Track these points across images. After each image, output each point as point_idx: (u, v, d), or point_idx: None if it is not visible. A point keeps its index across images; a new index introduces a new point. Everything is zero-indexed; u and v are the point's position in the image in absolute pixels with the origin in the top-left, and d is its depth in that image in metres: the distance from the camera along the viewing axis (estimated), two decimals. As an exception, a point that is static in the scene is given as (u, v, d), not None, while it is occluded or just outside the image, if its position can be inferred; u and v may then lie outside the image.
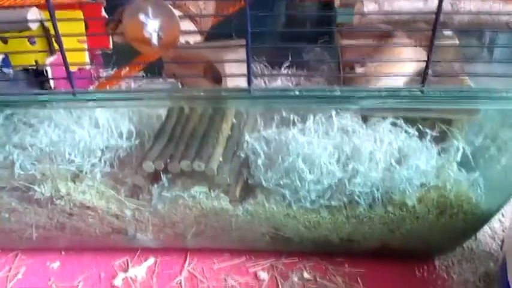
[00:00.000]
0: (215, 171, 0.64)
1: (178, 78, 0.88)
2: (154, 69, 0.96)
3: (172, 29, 0.47)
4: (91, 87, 0.90)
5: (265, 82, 0.88)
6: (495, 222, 0.81)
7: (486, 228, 0.80)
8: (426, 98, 0.48)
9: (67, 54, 0.61)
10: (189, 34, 0.48)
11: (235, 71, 0.80)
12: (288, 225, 0.67)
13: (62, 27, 0.59)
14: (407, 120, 0.68)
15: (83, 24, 0.67)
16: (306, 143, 0.62)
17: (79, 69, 0.93)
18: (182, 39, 0.48)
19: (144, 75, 0.96)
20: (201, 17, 0.48)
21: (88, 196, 0.68)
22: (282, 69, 0.88)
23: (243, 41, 0.91)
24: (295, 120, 0.65)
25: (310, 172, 0.62)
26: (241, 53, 0.88)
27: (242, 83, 0.86)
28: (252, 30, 0.46)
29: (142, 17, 0.46)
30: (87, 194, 0.68)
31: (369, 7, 0.47)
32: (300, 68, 0.94)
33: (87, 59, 0.88)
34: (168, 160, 0.65)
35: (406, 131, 0.65)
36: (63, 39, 0.61)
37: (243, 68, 0.89)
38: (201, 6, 0.50)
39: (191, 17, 0.47)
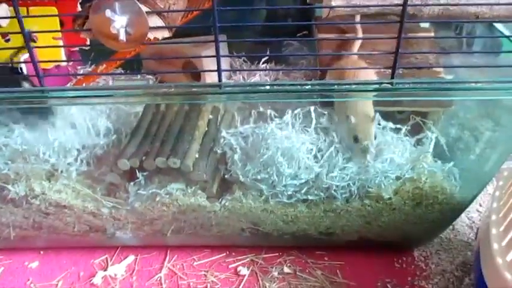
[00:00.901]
0: (191, 168, 0.64)
1: (157, 75, 0.87)
2: (133, 66, 0.95)
3: (140, 25, 0.46)
4: (67, 85, 0.89)
5: (244, 77, 0.88)
6: (473, 212, 0.82)
7: (464, 217, 0.81)
8: (396, 90, 0.48)
9: (42, 51, 0.60)
10: (157, 30, 0.47)
11: (213, 67, 0.80)
12: (266, 220, 0.67)
13: (36, 24, 0.58)
14: (383, 114, 0.69)
15: (58, 20, 0.66)
16: (285, 137, 0.63)
17: (56, 67, 0.93)
18: (150, 35, 0.48)
19: (123, 72, 0.95)
20: (170, 12, 0.47)
21: (64, 195, 0.67)
22: (260, 64, 0.87)
23: (222, 36, 0.92)
24: (273, 115, 0.65)
25: (288, 166, 0.62)
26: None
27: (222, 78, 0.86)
28: (220, 25, 0.45)
29: (108, 12, 0.45)
30: (62, 193, 0.67)
31: (337, 0, 0.46)
32: (279, 62, 0.93)
33: (62, 56, 0.87)
34: (144, 157, 0.65)
35: (379, 124, 0.66)
36: (38, 35, 0.60)
37: (221, 64, 0.89)
38: (170, 1, 0.50)
39: (159, 13, 0.47)
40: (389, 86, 0.49)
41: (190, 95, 0.49)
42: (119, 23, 0.46)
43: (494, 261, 0.52)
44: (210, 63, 0.77)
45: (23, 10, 0.64)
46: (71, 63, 0.92)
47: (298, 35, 0.89)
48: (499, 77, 0.52)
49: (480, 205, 0.84)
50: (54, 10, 0.76)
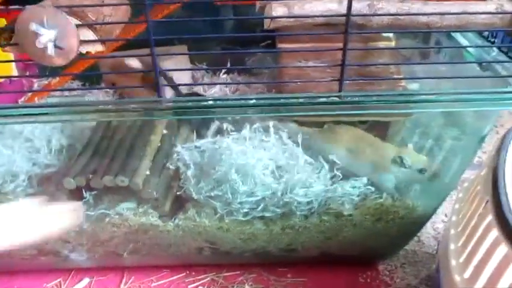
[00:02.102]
0: (140, 186, 0.61)
1: (117, 88, 0.84)
2: (93, 79, 0.92)
3: (70, 39, 0.43)
4: (20, 100, 0.85)
5: (205, 90, 0.86)
6: (438, 223, 0.81)
7: (429, 228, 0.79)
8: (344, 104, 0.46)
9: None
10: (89, 43, 0.44)
11: (174, 79, 0.78)
12: (222, 239, 0.65)
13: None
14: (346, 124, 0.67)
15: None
16: (241, 153, 0.60)
17: (10, 81, 0.89)
18: (83, 49, 0.45)
19: (81, 85, 0.91)
20: (104, 25, 0.44)
21: (8, 218, 0.63)
22: (221, 75, 0.85)
23: (183, 47, 0.89)
24: (229, 129, 0.62)
25: (243, 183, 0.59)
26: (179, 61, 0.86)
27: (181, 88, 0.83)
28: (156, 38, 0.43)
29: (33, 26, 0.43)
30: (7, 215, 0.63)
31: (278, 11, 0.44)
32: (242, 73, 0.91)
33: (14, 70, 0.84)
34: (91, 176, 0.62)
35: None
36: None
37: (182, 76, 0.87)
38: (105, 12, 0.47)
39: (90, 25, 0.44)
40: (337, 99, 0.47)
41: (127, 112, 0.46)
42: (46, 37, 0.43)
43: (452, 278, 0.50)
44: (172, 75, 0.75)
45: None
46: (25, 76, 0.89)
47: (262, 44, 0.87)
48: (454, 88, 0.50)
49: (446, 215, 0.82)
50: (2, 22, 0.72)
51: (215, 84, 0.82)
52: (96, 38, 0.44)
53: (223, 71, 0.85)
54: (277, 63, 0.78)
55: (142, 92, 0.82)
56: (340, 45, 0.54)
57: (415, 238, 0.77)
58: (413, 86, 0.73)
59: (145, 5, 0.41)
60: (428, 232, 0.79)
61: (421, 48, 0.67)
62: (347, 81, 0.44)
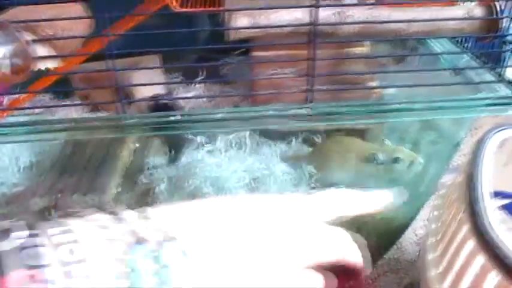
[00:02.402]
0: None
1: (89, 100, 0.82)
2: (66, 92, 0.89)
3: (24, 55, 0.41)
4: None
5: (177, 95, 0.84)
6: (420, 228, 0.80)
7: (411, 234, 0.78)
8: (314, 115, 0.45)
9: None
10: (45, 59, 0.42)
11: (145, 91, 0.76)
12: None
13: None
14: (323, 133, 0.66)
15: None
16: (214, 165, 0.59)
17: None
18: (42, 65, 0.43)
19: (52, 99, 0.89)
20: (61, 40, 0.42)
21: (-28, 241, 0.60)
22: (195, 85, 0.84)
23: (154, 58, 0.87)
24: (203, 141, 0.61)
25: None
26: (150, 73, 0.84)
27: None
28: (116, 52, 0.41)
29: (-15, 43, 0.40)
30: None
31: (242, 21, 0.43)
32: (216, 82, 0.89)
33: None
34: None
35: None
36: None
37: (155, 86, 0.85)
38: (64, 27, 0.45)
39: (46, 41, 0.42)
40: (308, 110, 0.45)
41: (90, 129, 0.44)
42: (-1, 54, 0.41)
43: (431, 289, 0.49)
44: (142, 87, 0.73)
45: None
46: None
47: (236, 53, 0.86)
48: (428, 94, 0.50)
49: (427, 220, 0.81)
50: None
51: (178, 98, 0.80)
52: (54, 54, 0.42)
53: (197, 80, 0.83)
54: (252, 71, 0.76)
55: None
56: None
57: (397, 245, 0.76)
58: (390, 90, 0.73)
59: (105, 19, 0.39)
60: (410, 238, 0.78)
61: (391, 56, 0.66)
62: (317, 91, 0.43)
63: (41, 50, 0.42)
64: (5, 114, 0.79)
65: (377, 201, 0.35)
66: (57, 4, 0.48)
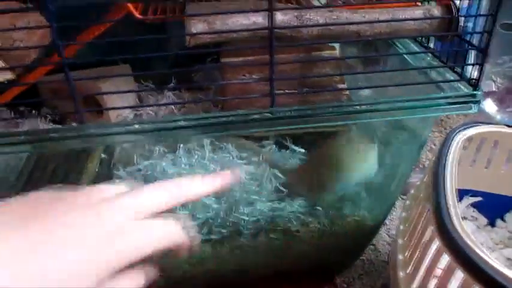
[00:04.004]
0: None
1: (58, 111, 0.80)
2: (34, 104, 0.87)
3: (-27, 68, 0.40)
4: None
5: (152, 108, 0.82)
6: (393, 229, 0.80)
7: (384, 235, 0.79)
8: (277, 119, 0.44)
9: None
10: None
11: (116, 101, 0.74)
12: (169, 264, 0.61)
13: None
14: (292, 137, 0.66)
15: None
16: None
17: None
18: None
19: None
20: (13, 51, 0.41)
21: None
22: (165, 93, 0.82)
23: (125, 67, 0.86)
24: (163, 151, 0.60)
25: (181, 207, 0.57)
26: (120, 82, 0.82)
27: (125, 112, 0.80)
28: (70, 62, 0.40)
29: None
30: None
31: (198, 27, 0.42)
32: (188, 88, 0.88)
33: None
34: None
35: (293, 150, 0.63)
36: None
37: (124, 98, 0.83)
38: (15, 37, 0.43)
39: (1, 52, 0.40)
40: (269, 115, 0.45)
41: (46, 141, 0.43)
42: None
43: (401, 290, 0.49)
44: (112, 97, 0.71)
45: None
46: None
47: (209, 59, 0.86)
48: (394, 95, 0.49)
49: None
50: None
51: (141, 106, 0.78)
52: (3, 65, 0.40)
53: (168, 86, 0.82)
54: (222, 77, 0.76)
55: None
56: (282, 57, 0.53)
57: (371, 246, 0.76)
58: (359, 92, 0.73)
59: (52, 27, 0.37)
60: (384, 239, 0.78)
61: (356, 57, 0.66)
62: (281, 95, 0.42)
63: (-10, 62, 0.41)
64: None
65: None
66: (11, 13, 0.46)
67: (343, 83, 0.69)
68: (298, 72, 0.68)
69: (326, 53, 0.71)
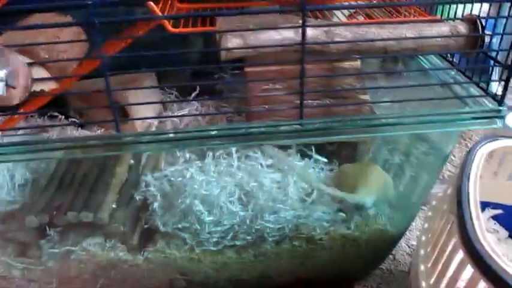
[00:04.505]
0: (106, 221, 0.59)
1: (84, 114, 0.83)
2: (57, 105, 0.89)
3: (22, 77, 0.42)
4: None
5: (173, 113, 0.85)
6: (413, 240, 0.81)
7: (404, 246, 0.79)
8: (305, 131, 0.46)
9: None
10: (42, 81, 0.43)
11: (143, 108, 0.76)
12: (194, 270, 0.63)
13: None
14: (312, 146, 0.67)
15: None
16: (204, 182, 0.59)
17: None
18: (37, 87, 0.44)
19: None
20: (57, 62, 0.43)
21: (-32, 260, 0.61)
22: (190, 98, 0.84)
23: (150, 76, 0.88)
24: (192, 158, 0.61)
25: (209, 213, 0.58)
26: (146, 90, 0.85)
27: (149, 114, 0.82)
28: (111, 73, 0.42)
29: (-18, 66, 0.41)
30: (-33, 257, 0.61)
31: (233, 42, 0.44)
32: (211, 95, 0.90)
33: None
34: (54, 212, 0.60)
35: (315, 160, 0.64)
36: None
37: (149, 104, 0.86)
38: (60, 49, 0.46)
39: (43, 63, 0.43)
40: (298, 127, 0.46)
41: (89, 148, 0.45)
42: (-5, 76, 0.41)
43: (423, 300, 0.50)
44: (137, 101, 0.74)
45: None
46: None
47: (230, 69, 0.88)
48: (417, 108, 0.51)
49: (420, 231, 0.82)
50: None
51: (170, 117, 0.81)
52: (49, 76, 0.42)
53: (193, 94, 0.84)
54: (245, 87, 0.77)
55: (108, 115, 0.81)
56: (308, 67, 0.54)
57: (390, 256, 0.77)
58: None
59: (98, 41, 0.40)
60: (403, 250, 0.79)
61: (380, 72, 0.68)
62: (309, 107, 0.44)
63: (37, 72, 0.43)
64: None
65: None
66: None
67: (365, 94, 0.70)
68: (320, 84, 0.69)
69: (347, 64, 0.73)
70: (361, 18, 0.84)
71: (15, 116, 0.75)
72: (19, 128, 0.56)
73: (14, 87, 0.42)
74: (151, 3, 0.46)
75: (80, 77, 0.53)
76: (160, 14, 0.48)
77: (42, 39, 0.46)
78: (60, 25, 0.41)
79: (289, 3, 0.53)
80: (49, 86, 0.44)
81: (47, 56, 0.43)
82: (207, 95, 0.90)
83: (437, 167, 0.58)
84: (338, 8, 0.61)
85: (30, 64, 0.43)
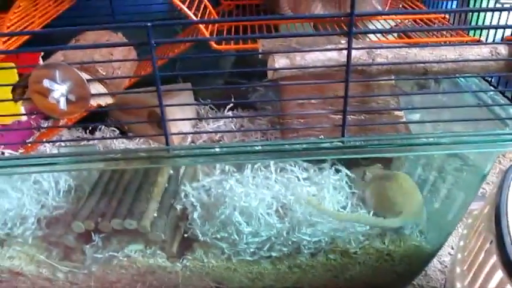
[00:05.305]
0: (148, 229, 0.61)
1: (123, 125, 0.86)
2: (100, 116, 0.93)
3: (81, 93, 0.45)
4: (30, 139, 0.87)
5: (208, 124, 0.87)
6: (445, 256, 0.80)
7: (436, 262, 0.79)
8: (347, 148, 0.48)
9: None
10: (100, 97, 0.46)
11: (178, 116, 0.79)
12: (230, 279, 0.65)
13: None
14: (348, 161, 0.68)
15: (16, 74, 0.65)
16: (243, 194, 0.61)
17: (18, 121, 0.90)
18: (93, 102, 0.46)
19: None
20: (112, 79, 0.46)
21: (16, 261, 0.64)
22: (225, 111, 0.87)
23: (186, 85, 0.91)
24: (232, 170, 0.63)
25: (247, 224, 0.60)
26: (183, 98, 0.88)
27: (186, 128, 0.85)
28: (164, 90, 0.44)
29: (47, 83, 0.44)
30: (15, 259, 0.64)
31: (281, 62, 0.46)
32: (245, 108, 0.93)
33: (21, 110, 0.85)
34: (100, 219, 0.62)
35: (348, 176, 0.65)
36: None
37: (185, 113, 0.89)
38: (115, 65, 0.49)
39: (101, 80, 0.46)
40: (340, 144, 0.48)
41: (138, 160, 0.47)
42: (58, 92, 0.44)
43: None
44: (175, 113, 0.76)
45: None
46: (33, 116, 0.90)
47: (264, 80, 0.89)
48: (454, 129, 0.52)
49: (452, 248, 0.82)
50: (14, 75, 0.74)
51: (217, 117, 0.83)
52: (106, 92, 0.45)
53: (228, 107, 0.86)
54: (280, 97, 0.79)
55: (147, 127, 0.84)
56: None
57: (422, 272, 0.77)
58: (415, 116, 0.75)
59: (150, 46, 0.42)
60: (435, 266, 0.79)
61: (421, 93, 0.69)
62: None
63: (96, 88, 0.46)
64: (44, 137, 0.84)
65: None
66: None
67: (400, 113, 0.71)
68: (359, 100, 0.71)
69: (383, 81, 0.74)
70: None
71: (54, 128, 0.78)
72: (73, 140, 0.58)
73: (73, 102, 0.45)
74: (202, 26, 0.48)
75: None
76: (208, 35, 0.51)
77: (98, 56, 0.49)
78: (122, 44, 0.44)
79: (334, 22, 0.55)
80: (105, 101, 0.46)
81: (104, 73, 0.46)
82: (241, 106, 0.93)
83: (474, 186, 0.58)
84: (382, 32, 0.63)
85: (88, 80, 0.46)
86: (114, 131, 0.88)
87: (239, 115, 0.86)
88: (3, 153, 0.77)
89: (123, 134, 0.87)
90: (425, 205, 0.63)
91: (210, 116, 0.90)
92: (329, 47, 0.48)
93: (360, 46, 0.48)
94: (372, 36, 0.74)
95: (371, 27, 0.76)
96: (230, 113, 0.88)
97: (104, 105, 0.47)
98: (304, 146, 0.48)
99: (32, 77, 0.45)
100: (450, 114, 0.57)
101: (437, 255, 0.81)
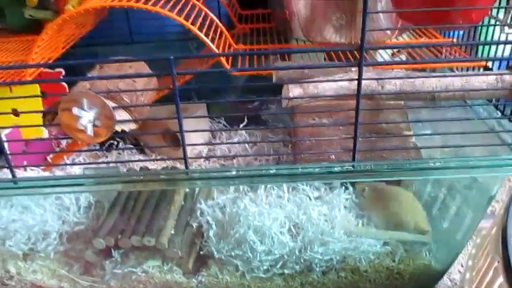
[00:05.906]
0: (166, 246, 0.64)
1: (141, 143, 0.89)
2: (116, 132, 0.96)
3: (107, 119, 0.48)
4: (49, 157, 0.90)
5: (222, 142, 0.90)
6: (455, 273, 0.82)
7: (445, 279, 0.80)
8: (358, 172, 0.50)
9: (24, 128, 0.61)
10: (124, 123, 0.49)
11: (193, 136, 0.82)
12: (241, 293, 0.67)
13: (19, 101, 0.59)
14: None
15: (40, 99, 0.68)
16: (257, 214, 0.63)
17: (39, 140, 0.93)
18: (118, 128, 0.49)
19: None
20: (135, 107, 0.49)
21: (39, 275, 0.67)
22: (238, 131, 0.90)
23: (201, 105, 0.94)
24: (246, 190, 0.66)
25: (261, 243, 0.62)
26: (199, 118, 0.91)
27: (199, 141, 0.88)
28: (185, 117, 0.47)
29: (76, 110, 0.47)
30: (38, 273, 0.67)
31: (295, 92, 0.49)
32: (258, 125, 0.95)
33: (44, 133, 0.89)
34: (119, 236, 0.65)
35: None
36: (22, 115, 0.61)
37: (200, 134, 0.91)
38: (137, 93, 0.52)
39: (125, 107, 0.48)
40: (351, 168, 0.50)
41: (157, 182, 0.50)
42: (86, 118, 0.47)
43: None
44: (188, 128, 0.79)
45: (6, 89, 0.66)
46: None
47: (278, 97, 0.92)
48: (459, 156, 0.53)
49: (462, 265, 0.83)
50: (36, 89, 0.77)
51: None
52: (131, 118, 0.48)
53: (241, 126, 0.89)
54: (292, 121, 0.82)
55: (160, 139, 0.87)
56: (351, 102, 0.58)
57: (432, 290, 0.78)
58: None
59: (168, 60, 0.45)
60: (445, 283, 0.80)
61: (429, 121, 0.70)
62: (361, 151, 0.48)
63: (120, 115, 0.49)
64: (64, 155, 0.87)
65: None
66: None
67: (409, 129, 0.73)
68: (367, 118, 0.73)
69: (391, 103, 0.76)
70: (403, 57, 0.87)
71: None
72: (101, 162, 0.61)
73: (99, 128, 0.48)
74: (223, 59, 0.51)
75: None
76: (228, 67, 0.53)
77: (122, 84, 0.52)
78: (146, 75, 0.46)
79: (346, 45, 0.58)
80: (129, 127, 0.49)
81: (128, 101, 0.49)
82: (253, 123, 0.95)
83: (482, 207, 0.60)
84: (392, 64, 0.65)
85: (114, 108, 0.48)
86: (131, 148, 0.91)
87: (252, 131, 0.88)
88: (25, 168, 0.81)
89: (137, 146, 0.90)
90: (435, 224, 0.65)
91: (224, 134, 0.93)
92: (340, 76, 0.50)
93: (369, 77, 0.50)
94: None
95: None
96: (243, 132, 0.90)
97: (127, 130, 0.50)
98: (317, 170, 0.50)
99: (61, 104, 0.48)
100: (459, 137, 0.59)
101: (447, 272, 0.82)
